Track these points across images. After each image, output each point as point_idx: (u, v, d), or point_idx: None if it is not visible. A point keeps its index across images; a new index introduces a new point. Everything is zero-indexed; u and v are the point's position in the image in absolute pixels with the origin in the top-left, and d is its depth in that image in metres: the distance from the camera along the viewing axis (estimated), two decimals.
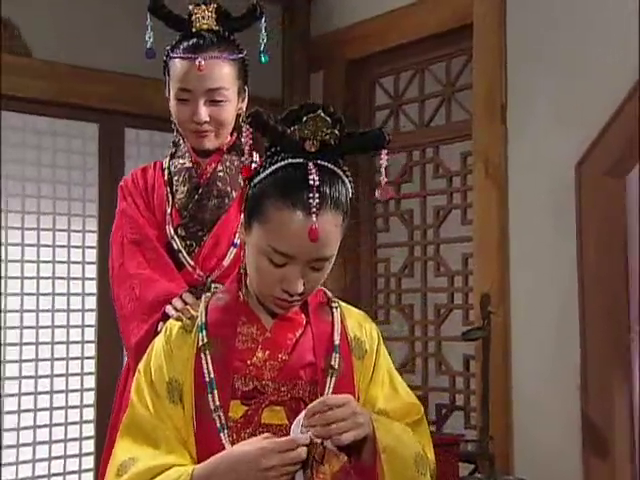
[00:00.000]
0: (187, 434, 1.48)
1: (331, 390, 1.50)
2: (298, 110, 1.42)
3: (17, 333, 3.73)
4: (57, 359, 3.82)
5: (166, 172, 2.19)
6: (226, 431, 1.46)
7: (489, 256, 3.55)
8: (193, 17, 2.07)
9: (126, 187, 2.20)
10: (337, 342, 1.55)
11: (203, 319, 1.54)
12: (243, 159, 1.40)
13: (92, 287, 3.92)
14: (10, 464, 3.67)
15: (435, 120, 4.13)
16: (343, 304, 1.64)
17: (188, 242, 2.11)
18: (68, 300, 3.86)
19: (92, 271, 3.92)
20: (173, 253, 2.11)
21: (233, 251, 2.07)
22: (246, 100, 2.19)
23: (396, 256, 4.24)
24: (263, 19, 2.12)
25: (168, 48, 2.11)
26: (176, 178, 2.17)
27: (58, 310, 3.83)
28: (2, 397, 3.66)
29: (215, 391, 1.47)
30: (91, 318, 3.91)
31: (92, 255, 3.92)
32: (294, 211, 1.40)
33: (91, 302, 3.91)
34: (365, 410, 1.45)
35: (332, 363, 1.52)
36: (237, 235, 2.07)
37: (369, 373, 1.58)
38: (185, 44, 2.07)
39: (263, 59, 2.13)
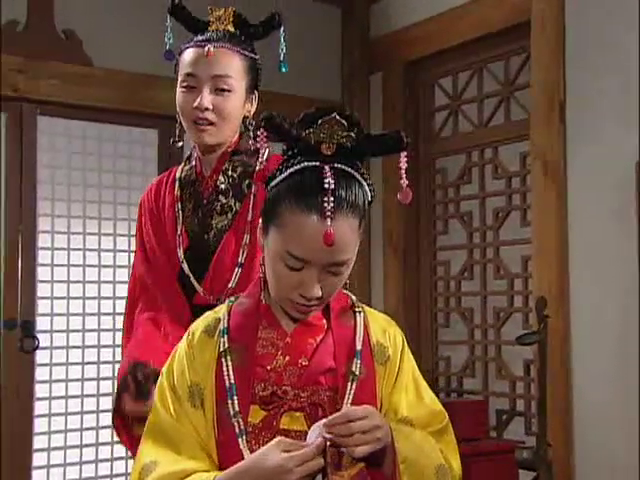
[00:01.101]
0: (208, 438, 1.47)
1: (352, 396, 1.47)
2: (313, 113, 1.40)
3: (80, 336, 3.82)
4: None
5: (177, 185, 2.14)
6: (244, 437, 1.45)
7: (548, 258, 3.47)
8: (211, 18, 2.06)
9: (142, 205, 2.18)
10: (359, 347, 1.52)
11: (225, 324, 1.53)
12: (258, 163, 1.38)
13: None
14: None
15: (494, 120, 4.06)
16: (368, 309, 1.61)
17: (196, 265, 2.05)
18: None
19: None
20: (183, 275, 2.06)
21: (238, 272, 2.02)
22: (255, 103, 2.13)
23: (455, 259, 4.19)
24: (282, 29, 2.08)
25: (182, 46, 2.09)
26: (185, 193, 2.12)
27: (119, 314, 3.89)
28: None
29: (235, 397, 1.46)
30: None
31: None
32: (309, 215, 1.38)
33: None
34: (385, 421, 1.42)
35: (353, 369, 1.49)
36: (241, 254, 2.02)
37: (392, 379, 1.54)
38: (198, 37, 2.05)
39: (283, 69, 2.08)
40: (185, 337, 1.57)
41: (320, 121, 1.39)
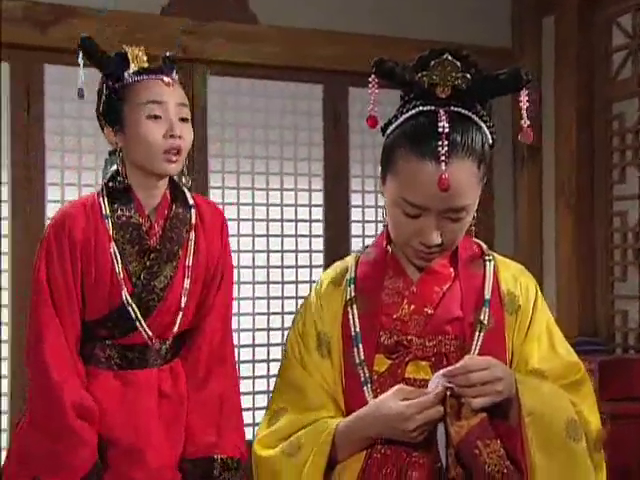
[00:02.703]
0: (335, 387, 1.49)
1: (479, 346, 1.44)
2: (427, 56, 1.37)
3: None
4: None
5: (109, 223, 2.00)
6: (369, 385, 1.45)
7: None
8: (130, 56, 1.99)
9: (64, 237, 1.97)
10: (487, 296, 1.48)
11: (352, 273, 1.54)
12: (369, 109, 1.35)
13: (319, 244, 4.05)
14: None
15: None
16: (499, 257, 1.56)
17: (141, 311, 2.01)
18: (296, 257, 4.02)
19: (319, 229, 4.05)
20: (122, 318, 2.00)
21: (180, 316, 2.04)
22: None
23: (633, 209, 3.96)
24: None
25: (104, 79, 2.03)
26: (121, 234, 2.01)
27: (287, 267, 4.00)
28: None
29: (360, 345, 1.47)
30: (317, 274, 4.02)
31: (319, 213, 4.05)
32: (423, 160, 1.35)
33: (318, 259, 4.04)
34: (509, 373, 1.39)
35: (481, 318, 1.46)
36: (183, 299, 2.02)
37: (524, 329, 1.50)
38: (142, 71, 1.99)
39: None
40: (314, 288, 1.59)
41: (432, 63, 1.35)
